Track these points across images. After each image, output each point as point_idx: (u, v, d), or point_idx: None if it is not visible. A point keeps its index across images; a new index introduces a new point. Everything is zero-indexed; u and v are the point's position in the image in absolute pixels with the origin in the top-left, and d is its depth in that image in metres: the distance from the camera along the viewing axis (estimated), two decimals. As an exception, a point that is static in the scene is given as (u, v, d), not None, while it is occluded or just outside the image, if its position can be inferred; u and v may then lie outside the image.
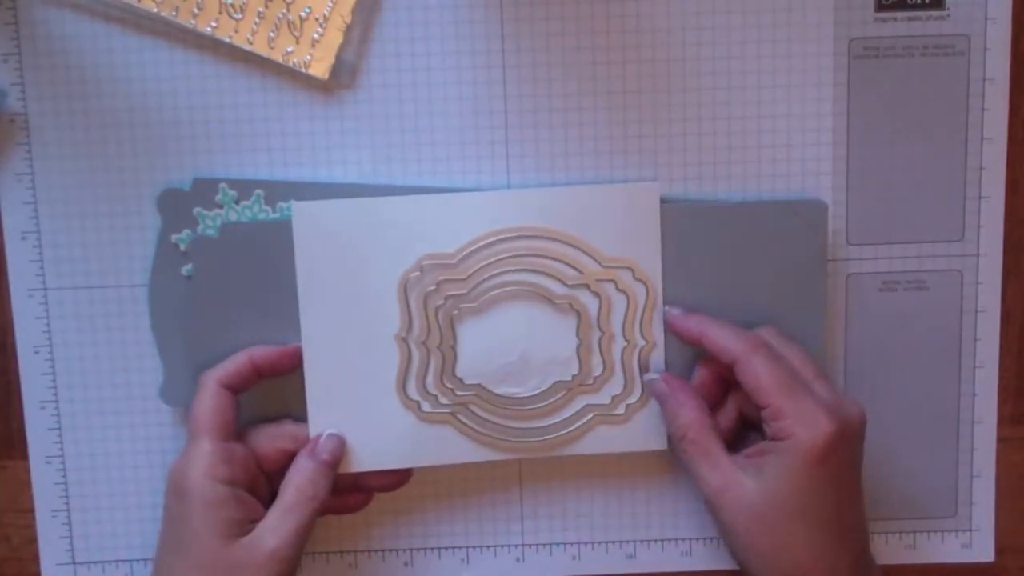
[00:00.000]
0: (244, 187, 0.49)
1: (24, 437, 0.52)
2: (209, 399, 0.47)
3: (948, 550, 0.53)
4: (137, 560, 0.53)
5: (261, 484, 0.49)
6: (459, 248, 0.49)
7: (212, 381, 0.48)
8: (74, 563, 0.52)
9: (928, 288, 0.51)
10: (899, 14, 0.49)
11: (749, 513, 0.45)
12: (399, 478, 0.51)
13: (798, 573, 0.44)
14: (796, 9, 0.49)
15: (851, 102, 0.50)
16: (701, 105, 0.50)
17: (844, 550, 0.45)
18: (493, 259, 0.49)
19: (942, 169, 0.50)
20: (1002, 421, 0.52)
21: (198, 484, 0.46)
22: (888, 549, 0.53)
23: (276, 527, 0.46)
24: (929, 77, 0.50)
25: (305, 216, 0.48)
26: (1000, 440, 0.52)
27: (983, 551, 0.53)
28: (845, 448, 0.45)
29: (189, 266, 0.50)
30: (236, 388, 0.48)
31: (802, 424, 0.44)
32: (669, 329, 0.49)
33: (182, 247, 0.50)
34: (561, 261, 0.49)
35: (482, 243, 0.49)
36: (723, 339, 0.47)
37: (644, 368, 0.50)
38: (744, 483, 0.45)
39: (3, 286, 0.51)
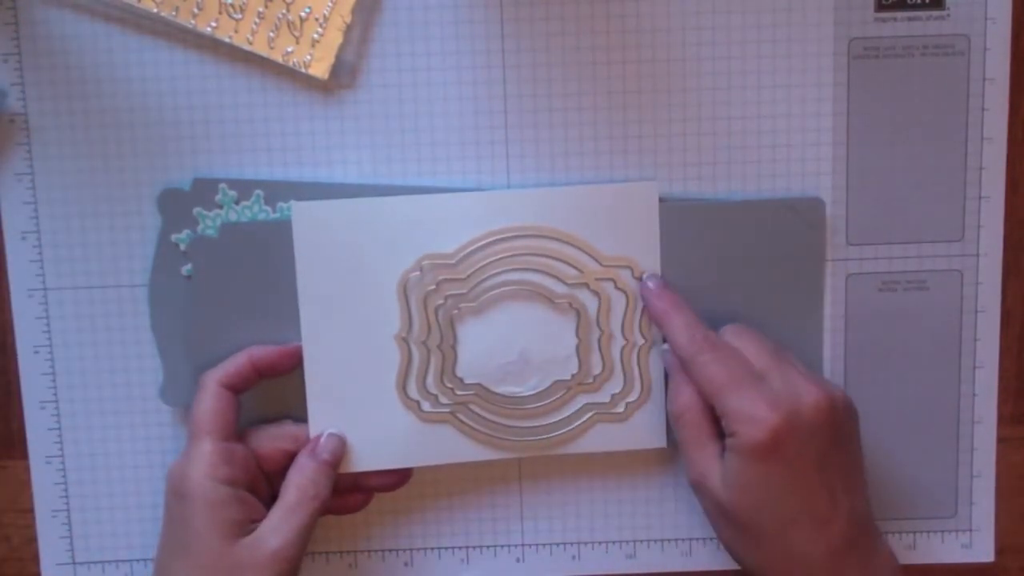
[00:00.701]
0: (244, 187, 0.49)
1: (24, 437, 0.52)
2: (209, 399, 0.47)
3: (948, 550, 0.53)
4: (137, 560, 0.52)
5: (262, 484, 0.49)
6: (458, 248, 0.49)
7: (212, 382, 0.48)
8: (74, 563, 0.52)
9: (928, 288, 0.51)
10: (899, 14, 0.49)
11: (717, 503, 0.45)
12: (399, 478, 0.51)
13: (769, 560, 0.44)
14: (796, 9, 0.49)
15: (851, 102, 0.50)
16: (701, 105, 0.50)
17: (817, 539, 0.44)
18: (493, 258, 0.49)
19: (942, 169, 0.50)
20: (1002, 421, 0.52)
21: (199, 485, 0.46)
22: (888, 549, 0.53)
23: (278, 527, 0.46)
24: (929, 77, 0.50)
25: (305, 216, 0.48)
26: (1000, 440, 0.52)
27: (983, 551, 0.53)
28: (798, 438, 0.44)
29: (189, 266, 0.50)
30: (236, 388, 0.48)
31: (742, 421, 0.44)
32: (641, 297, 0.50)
33: (182, 247, 0.50)
34: (560, 260, 0.49)
35: (482, 243, 0.49)
36: (675, 335, 0.47)
37: (644, 366, 0.50)
38: (717, 474, 0.45)
39: (3, 286, 0.51)
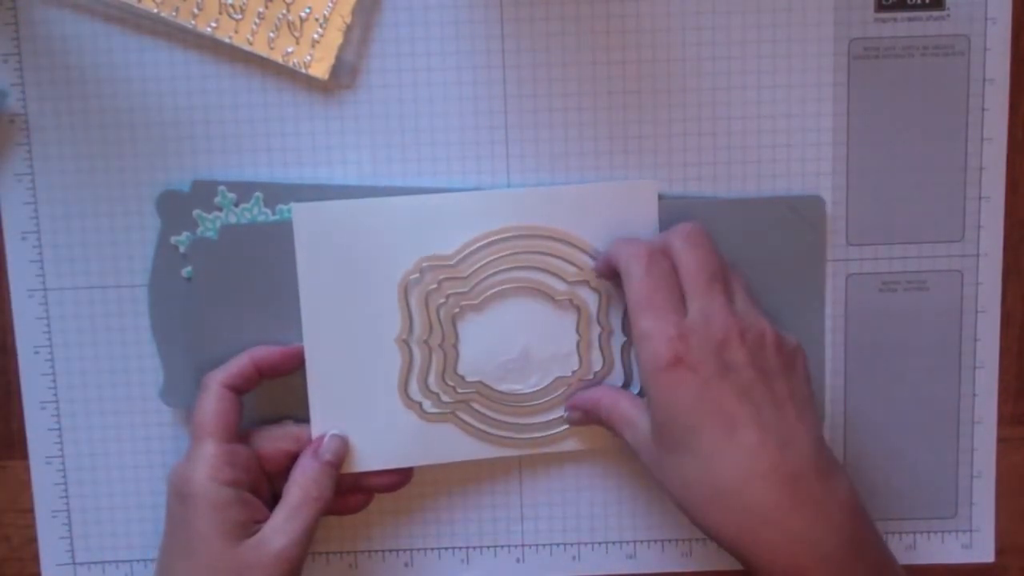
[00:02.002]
0: (243, 189, 0.49)
1: (24, 437, 0.52)
2: (212, 400, 0.47)
3: (948, 550, 0.53)
4: (137, 560, 0.52)
5: (264, 485, 0.49)
6: (458, 249, 0.49)
7: (215, 383, 0.48)
8: (74, 563, 0.52)
9: (928, 288, 0.51)
10: (899, 14, 0.49)
11: (649, 450, 0.45)
12: (400, 478, 0.51)
13: (707, 500, 0.43)
14: (796, 9, 0.49)
15: (851, 102, 0.50)
16: (701, 105, 0.50)
17: (754, 471, 0.42)
18: (493, 257, 0.49)
19: (942, 169, 0.50)
20: (1002, 421, 0.52)
21: (203, 487, 0.46)
22: (888, 549, 0.53)
23: (282, 527, 0.46)
24: (929, 77, 0.50)
25: (306, 217, 0.48)
26: (1000, 440, 0.52)
27: (983, 551, 0.53)
28: (701, 366, 0.43)
29: (189, 268, 0.50)
30: (239, 389, 0.48)
31: (642, 339, 0.44)
32: (605, 278, 0.49)
33: (181, 249, 0.50)
34: (560, 258, 0.49)
35: (482, 243, 0.49)
36: (615, 249, 0.47)
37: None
38: (643, 419, 0.46)
39: (3, 286, 0.51)
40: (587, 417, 0.49)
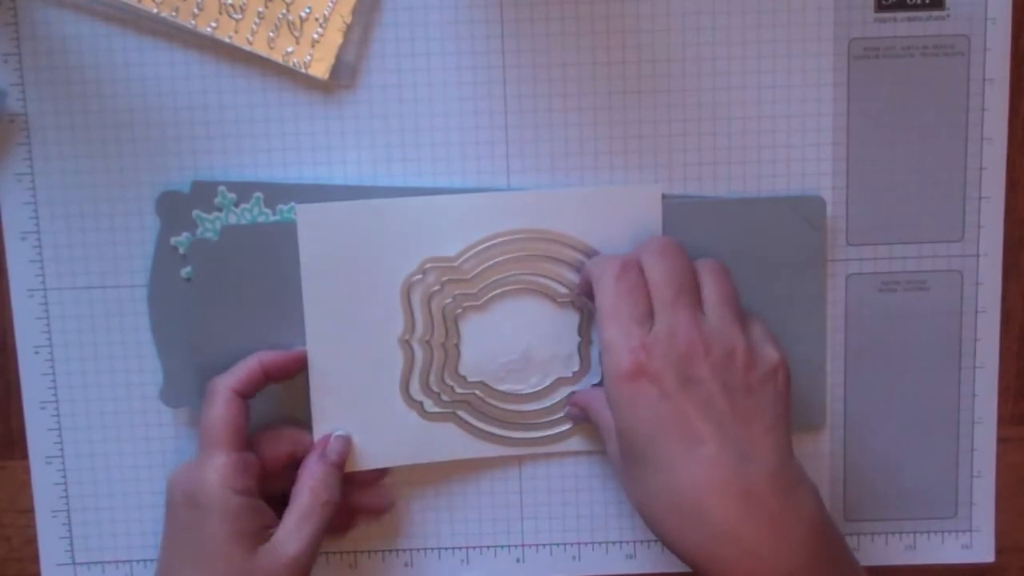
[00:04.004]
0: (243, 189, 0.49)
1: (24, 437, 0.52)
2: (222, 406, 0.47)
3: (948, 551, 0.53)
4: (137, 560, 0.52)
5: (269, 489, 0.49)
6: (462, 250, 0.49)
7: (225, 388, 0.47)
8: (74, 563, 0.52)
9: (928, 288, 0.51)
10: (899, 14, 0.49)
11: (616, 459, 0.46)
12: (383, 505, 0.52)
13: (664, 511, 0.43)
14: (796, 9, 0.49)
15: (851, 102, 0.50)
16: (701, 105, 0.50)
17: (710, 486, 0.42)
18: (496, 259, 0.49)
19: (942, 169, 0.50)
20: (1002, 421, 0.52)
21: (216, 496, 0.45)
22: (888, 549, 0.53)
23: (294, 533, 0.46)
24: (929, 77, 0.50)
25: (310, 218, 0.48)
26: (1000, 440, 0.52)
27: (983, 551, 0.53)
28: (660, 381, 0.43)
29: (188, 268, 0.50)
30: (247, 394, 0.48)
31: (607, 350, 0.44)
32: (580, 292, 0.50)
33: (181, 250, 0.50)
34: (563, 261, 0.49)
35: (485, 244, 0.49)
36: (590, 264, 0.48)
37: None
38: (612, 428, 0.46)
39: (3, 286, 0.51)
40: (584, 416, 0.49)
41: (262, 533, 0.46)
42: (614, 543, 0.53)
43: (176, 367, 0.51)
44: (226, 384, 0.47)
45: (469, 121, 0.50)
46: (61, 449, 0.52)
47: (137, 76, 0.49)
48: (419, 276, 0.49)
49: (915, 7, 0.49)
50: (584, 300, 0.50)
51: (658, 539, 0.44)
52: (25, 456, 0.52)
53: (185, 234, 0.50)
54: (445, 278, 0.49)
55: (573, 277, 0.49)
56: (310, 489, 0.47)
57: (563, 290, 0.49)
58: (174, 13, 0.48)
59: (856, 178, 0.50)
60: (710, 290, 0.46)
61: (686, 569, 0.53)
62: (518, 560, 0.53)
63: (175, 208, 0.50)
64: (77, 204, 0.50)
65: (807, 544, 0.42)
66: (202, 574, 0.45)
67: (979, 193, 0.51)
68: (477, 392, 0.50)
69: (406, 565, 0.53)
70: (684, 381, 0.43)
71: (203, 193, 0.49)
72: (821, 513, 0.43)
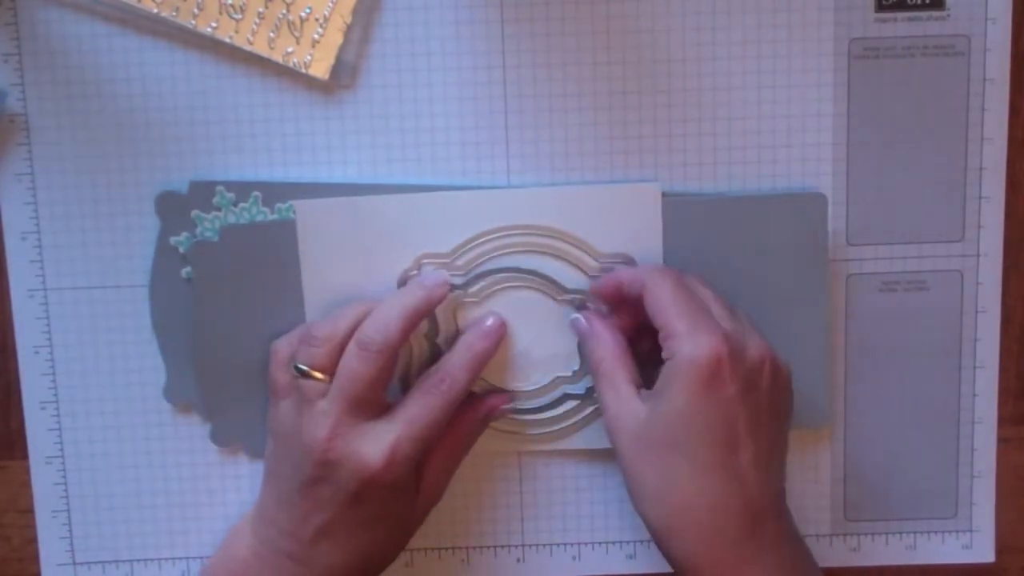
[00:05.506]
0: (241, 189, 0.49)
1: (24, 437, 0.52)
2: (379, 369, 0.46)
3: (948, 551, 0.53)
4: (137, 560, 0.52)
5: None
6: (458, 246, 0.49)
7: (390, 346, 0.46)
8: (74, 563, 0.52)
9: (928, 288, 0.51)
10: (899, 14, 0.49)
11: (637, 439, 0.44)
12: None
13: (675, 507, 0.43)
14: (796, 9, 0.49)
15: (851, 102, 0.50)
16: (701, 105, 0.50)
17: (734, 496, 0.43)
18: (494, 255, 0.49)
19: (942, 169, 0.50)
20: (1002, 421, 0.52)
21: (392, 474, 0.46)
22: (888, 549, 0.53)
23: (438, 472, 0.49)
24: (929, 77, 0.50)
25: (309, 214, 0.49)
26: (1000, 440, 0.52)
27: (983, 552, 0.53)
28: (736, 377, 0.43)
29: (189, 268, 0.50)
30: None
31: (690, 342, 0.43)
32: (603, 300, 0.49)
33: (181, 250, 0.50)
34: (562, 259, 0.49)
35: (482, 240, 0.49)
36: (634, 271, 0.47)
37: None
38: (638, 409, 0.45)
39: (3, 286, 0.51)
40: (610, 365, 0.47)
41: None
42: (614, 543, 0.53)
43: (179, 364, 0.51)
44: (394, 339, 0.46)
45: (469, 121, 0.50)
46: (61, 449, 0.52)
47: (137, 76, 0.49)
48: (415, 272, 0.49)
49: (915, 7, 0.49)
50: (585, 300, 0.49)
51: (651, 528, 0.44)
52: (25, 456, 0.52)
53: (185, 234, 0.50)
54: (443, 275, 0.49)
55: (573, 275, 0.49)
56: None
57: (562, 287, 0.49)
58: (174, 13, 0.48)
59: (856, 178, 0.50)
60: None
61: (686, 569, 0.53)
62: (518, 560, 0.53)
63: (174, 208, 0.50)
64: (77, 204, 0.50)
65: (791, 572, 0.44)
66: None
67: (979, 193, 0.51)
68: (476, 389, 0.50)
69: (406, 565, 0.53)
70: (747, 389, 0.44)
71: (201, 193, 0.49)
72: (800, 539, 0.47)
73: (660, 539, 0.45)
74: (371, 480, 0.45)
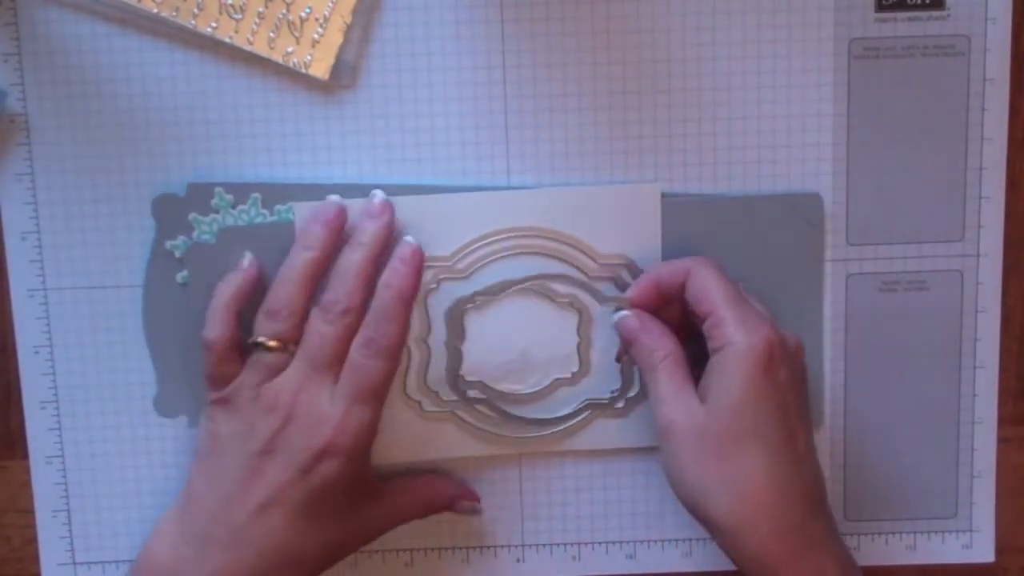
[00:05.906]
0: (240, 190, 0.49)
1: (24, 437, 0.52)
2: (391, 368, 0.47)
3: (948, 551, 0.53)
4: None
5: None
6: (458, 248, 0.49)
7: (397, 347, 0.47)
8: (74, 563, 0.52)
9: (928, 288, 0.51)
10: (899, 14, 0.49)
11: (699, 437, 0.44)
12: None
13: (749, 498, 0.43)
14: (796, 9, 0.49)
15: (851, 102, 0.50)
16: (701, 105, 0.50)
17: (797, 477, 0.44)
18: (493, 258, 0.49)
19: (942, 169, 0.50)
20: (1002, 421, 0.52)
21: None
22: (888, 549, 0.53)
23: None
24: (929, 77, 0.50)
25: (306, 216, 0.48)
26: (1000, 440, 0.52)
27: (983, 551, 0.53)
28: (785, 363, 0.44)
29: (184, 273, 0.50)
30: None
31: (743, 329, 0.44)
32: (634, 304, 0.48)
33: (177, 254, 0.50)
34: (562, 260, 0.49)
35: (482, 243, 0.49)
36: (674, 263, 0.47)
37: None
38: (695, 407, 0.44)
39: (3, 286, 0.51)
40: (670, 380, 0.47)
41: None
42: (614, 543, 0.53)
43: (171, 375, 0.50)
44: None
45: (469, 121, 0.50)
46: (61, 449, 0.52)
47: (137, 76, 0.49)
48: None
49: (915, 7, 0.49)
50: (585, 302, 0.49)
51: (718, 527, 0.44)
52: (25, 456, 0.52)
53: (181, 237, 0.50)
54: (441, 277, 0.49)
55: (573, 275, 0.49)
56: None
57: (562, 289, 0.49)
58: (174, 13, 0.48)
59: (856, 178, 0.50)
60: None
61: (686, 569, 0.53)
62: (518, 560, 0.53)
63: (171, 211, 0.50)
64: (77, 204, 0.50)
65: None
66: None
67: (979, 193, 0.51)
68: (475, 392, 0.50)
69: (406, 565, 0.53)
70: (791, 374, 0.45)
71: (199, 195, 0.49)
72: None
73: (729, 535, 0.43)
74: (324, 449, 0.45)
